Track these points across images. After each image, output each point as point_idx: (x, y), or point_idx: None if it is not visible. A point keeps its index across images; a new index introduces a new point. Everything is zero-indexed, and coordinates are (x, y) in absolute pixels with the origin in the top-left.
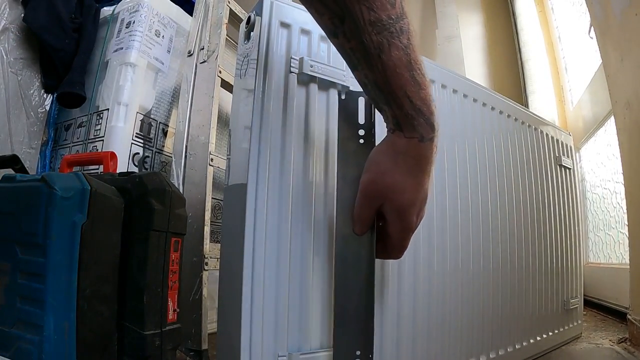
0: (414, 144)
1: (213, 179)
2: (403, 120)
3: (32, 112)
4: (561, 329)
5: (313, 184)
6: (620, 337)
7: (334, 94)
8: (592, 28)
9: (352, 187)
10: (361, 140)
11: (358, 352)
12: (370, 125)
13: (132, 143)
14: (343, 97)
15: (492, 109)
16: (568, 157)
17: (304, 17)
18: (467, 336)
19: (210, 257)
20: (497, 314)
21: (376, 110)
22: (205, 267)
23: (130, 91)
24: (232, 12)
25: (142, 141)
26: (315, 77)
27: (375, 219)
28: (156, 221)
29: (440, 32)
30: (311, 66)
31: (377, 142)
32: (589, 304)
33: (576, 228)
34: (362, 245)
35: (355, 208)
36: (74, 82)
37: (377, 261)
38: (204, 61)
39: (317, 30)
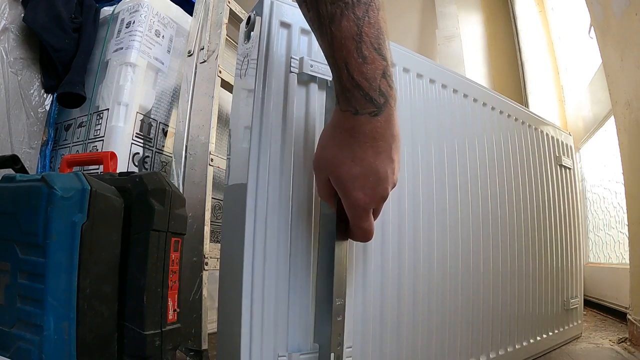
0: (348, 117)
1: (213, 179)
2: (340, 92)
3: (32, 112)
4: (561, 329)
5: (313, 183)
6: (620, 337)
7: None
8: (592, 28)
9: None
10: None
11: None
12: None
13: (132, 143)
14: (329, 85)
15: (492, 108)
16: (568, 157)
17: (304, 17)
18: (467, 336)
19: (210, 257)
20: (497, 314)
21: None
22: (205, 267)
23: (130, 91)
24: (232, 12)
25: (142, 141)
26: (316, 76)
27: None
28: (156, 221)
29: (440, 32)
30: (311, 66)
31: None
32: (589, 304)
33: (576, 228)
34: (332, 224)
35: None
36: (74, 82)
37: (370, 259)
38: (204, 61)
39: None
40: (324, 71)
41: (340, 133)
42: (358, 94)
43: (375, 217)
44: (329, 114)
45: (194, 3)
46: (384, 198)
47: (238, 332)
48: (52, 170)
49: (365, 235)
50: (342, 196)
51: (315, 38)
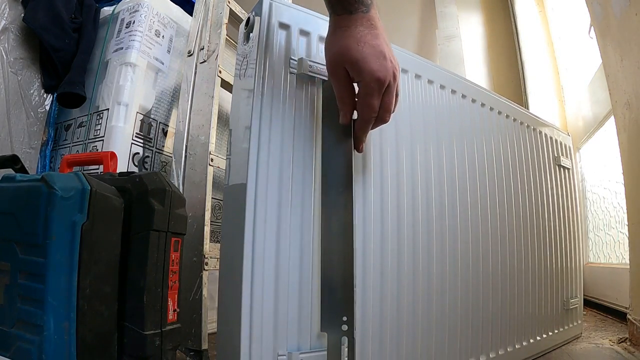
0: (345, 18)
1: (213, 179)
2: (335, 2)
3: (32, 112)
4: (561, 329)
5: (312, 183)
6: (620, 337)
7: None
8: (592, 28)
9: (335, 159)
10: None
11: (345, 318)
12: (349, 131)
13: (132, 143)
14: (327, 78)
15: (491, 109)
16: (567, 157)
17: (303, 18)
18: (467, 336)
19: (210, 257)
20: (497, 313)
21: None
22: (205, 267)
23: (130, 91)
24: (232, 12)
25: (142, 141)
26: (314, 77)
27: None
28: (156, 221)
29: (440, 32)
30: (310, 66)
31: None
32: (589, 304)
33: (576, 228)
34: (344, 213)
35: (334, 90)
36: (74, 82)
37: (369, 259)
38: (204, 61)
39: (316, 30)
40: (323, 71)
41: (341, 30)
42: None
43: (389, 101)
44: (327, 112)
45: (194, 3)
46: (394, 75)
47: (238, 332)
48: (52, 170)
49: (370, 111)
50: (360, 74)
51: (312, 42)
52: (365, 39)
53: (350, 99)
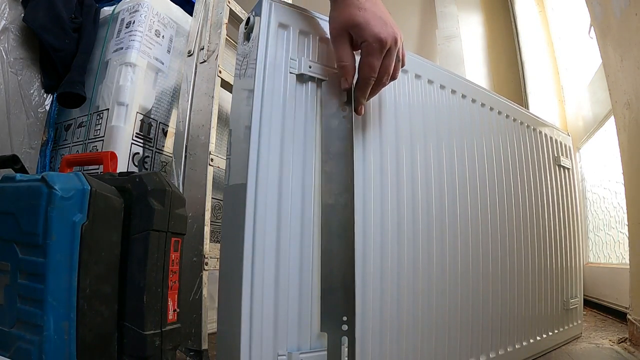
0: None
1: (213, 179)
2: None
3: (32, 112)
4: (561, 329)
5: (312, 183)
6: (620, 337)
7: None
8: (592, 28)
9: (335, 160)
10: (343, 115)
11: (345, 318)
12: (350, 98)
13: (132, 143)
14: (327, 78)
15: (491, 109)
16: (567, 157)
17: (302, 18)
18: (467, 336)
19: (210, 257)
20: (497, 313)
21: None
22: (205, 267)
23: (130, 91)
24: (232, 12)
25: (142, 141)
26: (314, 77)
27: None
28: (156, 221)
29: (440, 32)
30: (309, 67)
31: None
32: (589, 304)
33: (576, 228)
34: (344, 214)
35: (336, 58)
36: (74, 82)
37: (369, 259)
38: (204, 61)
39: (316, 30)
40: (321, 72)
41: (342, 2)
42: None
43: (389, 64)
44: (326, 110)
45: (194, 3)
46: (395, 39)
47: (238, 332)
48: (52, 170)
49: (371, 71)
50: (363, 35)
51: (312, 42)
52: (365, 6)
53: (351, 64)
